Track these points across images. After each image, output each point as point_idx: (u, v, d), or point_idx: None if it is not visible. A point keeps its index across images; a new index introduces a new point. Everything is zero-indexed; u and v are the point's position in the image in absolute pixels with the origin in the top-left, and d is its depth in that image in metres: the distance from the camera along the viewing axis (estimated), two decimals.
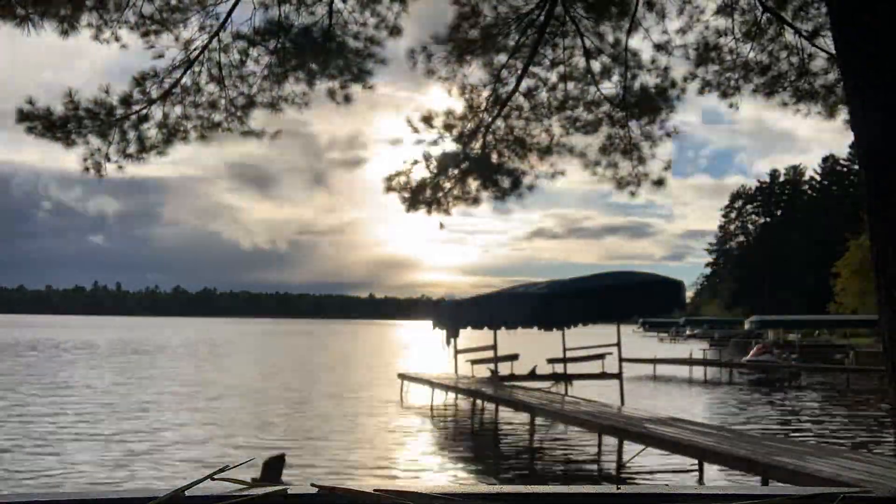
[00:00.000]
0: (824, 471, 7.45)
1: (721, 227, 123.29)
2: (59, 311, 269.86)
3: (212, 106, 7.81)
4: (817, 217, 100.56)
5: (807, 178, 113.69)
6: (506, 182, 8.37)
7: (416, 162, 8.26)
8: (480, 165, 8.26)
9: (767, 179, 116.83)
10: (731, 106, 8.14)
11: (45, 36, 6.67)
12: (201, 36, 7.66)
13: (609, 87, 8.39)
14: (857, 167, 2.95)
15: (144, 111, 7.57)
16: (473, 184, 8.36)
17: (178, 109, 7.75)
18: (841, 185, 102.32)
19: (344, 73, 7.88)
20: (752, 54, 7.89)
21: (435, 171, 8.25)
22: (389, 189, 8.27)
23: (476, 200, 8.42)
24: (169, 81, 7.65)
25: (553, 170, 8.52)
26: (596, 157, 8.54)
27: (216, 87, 7.81)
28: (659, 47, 8.11)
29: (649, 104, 8.26)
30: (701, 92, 8.13)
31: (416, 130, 8.24)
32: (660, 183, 8.55)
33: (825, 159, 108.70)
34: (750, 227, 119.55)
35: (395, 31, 7.86)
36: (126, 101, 7.47)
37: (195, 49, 7.65)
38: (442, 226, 8.50)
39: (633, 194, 8.58)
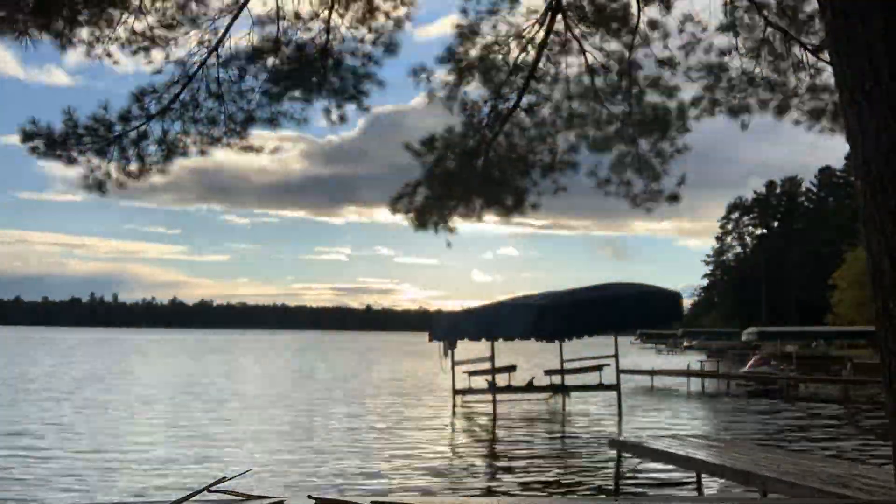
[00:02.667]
0: (823, 483, 7.45)
1: (718, 239, 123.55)
2: None
3: (211, 121, 7.84)
4: (814, 228, 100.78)
5: (803, 189, 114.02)
6: (509, 200, 8.40)
7: (419, 183, 8.29)
8: (484, 184, 8.29)
9: (764, 191, 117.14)
10: (742, 125, 8.15)
11: None
12: (200, 51, 7.70)
13: (616, 104, 8.41)
14: (853, 178, 2.95)
15: (143, 127, 7.59)
16: (477, 202, 8.40)
17: (177, 125, 7.78)
18: (837, 196, 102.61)
19: (340, 91, 7.93)
20: (758, 70, 7.91)
21: (438, 191, 8.30)
22: (395, 211, 8.32)
23: (480, 218, 8.50)
24: (167, 97, 7.68)
25: (556, 185, 8.53)
26: (606, 175, 8.54)
27: (215, 102, 7.84)
28: (662, 63, 8.14)
29: (658, 121, 8.27)
30: (710, 112, 8.14)
31: (417, 154, 8.27)
32: (674, 198, 8.54)
33: (821, 171, 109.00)
34: (747, 238, 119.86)
35: (392, 48, 7.91)
36: (125, 117, 7.49)
37: (193, 65, 7.69)
38: (449, 244, 8.54)
39: (649, 211, 8.56)
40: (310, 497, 1.57)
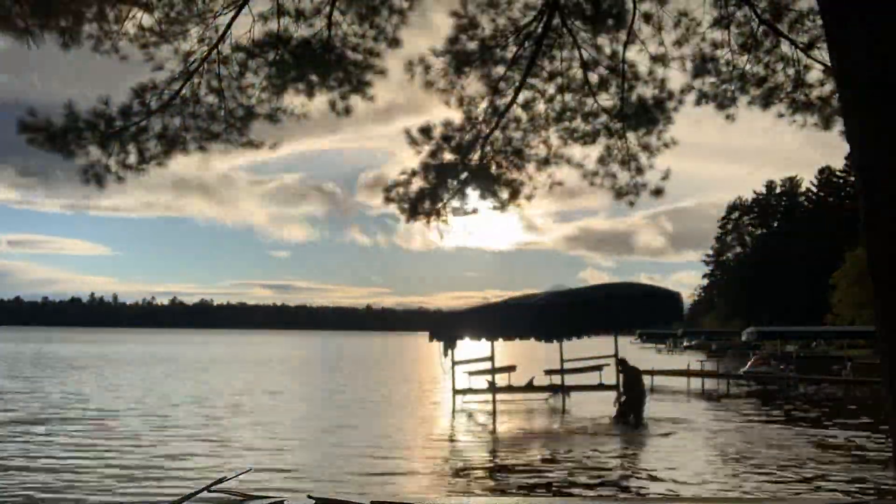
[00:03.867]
0: None
1: (718, 239, 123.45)
2: None
3: (211, 117, 7.83)
4: (814, 228, 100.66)
5: (803, 189, 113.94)
6: (504, 193, 8.40)
7: (414, 173, 8.27)
8: (479, 177, 8.29)
9: (764, 191, 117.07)
10: (727, 118, 8.18)
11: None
12: (201, 48, 7.69)
13: (607, 98, 8.44)
14: (852, 178, 2.96)
15: (144, 122, 7.58)
16: (472, 194, 8.40)
17: (177, 121, 7.77)
18: (837, 196, 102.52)
19: (343, 84, 7.92)
20: (748, 66, 7.94)
21: (434, 181, 8.26)
22: (389, 200, 8.28)
23: (475, 211, 8.48)
24: (168, 93, 7.66)
25: (551, 180, 8.56)
26: (594, 168, 8.59)
27: (215, 98, 7.83)
28: (656, 59, 8.15)
29: (647, 116, 8.29)
30: (698, 103, 8.16)
31: (414, 143, 8.25)
32: (658, 192, 8.59)
33: (821, 171, 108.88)
34: (747, 238, 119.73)
35: (395, 42, 7.90)
36: (126, 112, 7.48)
37: (195, 61, 7.68)
38: (441, 236, 8.52)
39: (632, 204, 8.62)
40: (309, 497, 1.57)
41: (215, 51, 7.73)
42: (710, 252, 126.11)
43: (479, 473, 12.90)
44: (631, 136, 8.47)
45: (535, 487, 11.57)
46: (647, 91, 8.38)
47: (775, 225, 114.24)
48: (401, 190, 8.26)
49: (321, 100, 7.98)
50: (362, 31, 7.89)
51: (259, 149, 8.00)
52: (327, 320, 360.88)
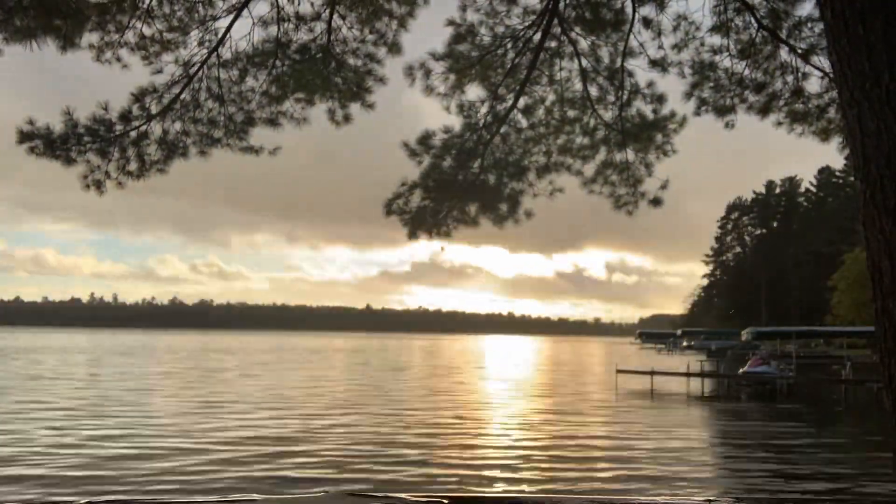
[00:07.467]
0: None
1: (717, 239, 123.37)
2: None
3: (211, 122, 7.79)
4: (813, 228, 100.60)
5: (802, 189, 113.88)
6: (503, 208, 8.34)
7: (414, 185, 8.17)
8: (479, 191, 8.22)
9: (764, 191, 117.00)
10: (727, 125, 8.14)
11: None
12: (200, 51, 7.65)
13: (605, 110, 8.40)
14: (852, 179, 2.98)
15: (144, 127, 7.55)
16: (472, 207, 8.31)
17: (177, 125, 7.73)
18: (836, 196, 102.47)
19: (343, 91, 7.89)
20: (747, 72, 7.89)
21: (434, 194, 8.17)
22: (390, 213, 8.17)
23: (475, 222, 8.38)
24: (168, 97, 7.63)
25: (552, 187, 8.52)
26: (593, 176, 8.55)
27: (215, 102, 7.80)
28: (655, 63, 8.09)
29: (645, 130, 8.25)
30: (697, 112, 8.11)
31: (414, 154, 8.19)
32: (656, 202, 8.55)
33: (821, 171, 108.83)
34: (746, 238, 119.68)
35: (395, 48, 7.87)
36: (125, 117, 7.45)
37: (194, 64, 7.65)
38: (443, 249, 8.46)
39: (630, 213, 8.57)
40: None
41: (215, 54, 7.70)
42: (710, 252, 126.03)
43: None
44: (630, 146, 8.44)
45: None
46: (645, 106, 8.33)
47: (775, 225, 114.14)
48: (401, 202, 8.15)
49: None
50: (362, 36, 7.86)
51: (259, 154, 7.97)
52: None
